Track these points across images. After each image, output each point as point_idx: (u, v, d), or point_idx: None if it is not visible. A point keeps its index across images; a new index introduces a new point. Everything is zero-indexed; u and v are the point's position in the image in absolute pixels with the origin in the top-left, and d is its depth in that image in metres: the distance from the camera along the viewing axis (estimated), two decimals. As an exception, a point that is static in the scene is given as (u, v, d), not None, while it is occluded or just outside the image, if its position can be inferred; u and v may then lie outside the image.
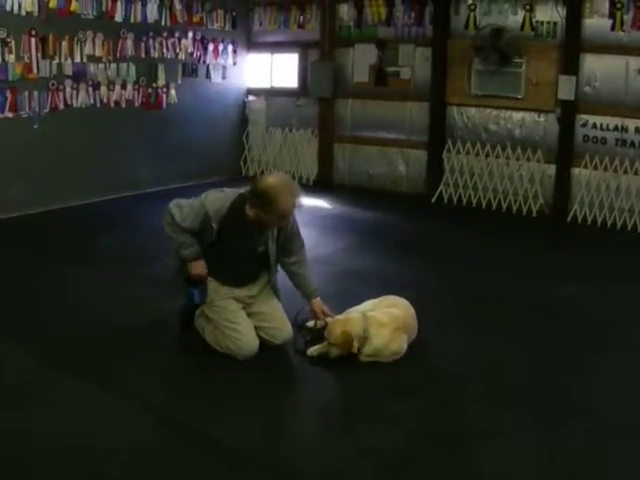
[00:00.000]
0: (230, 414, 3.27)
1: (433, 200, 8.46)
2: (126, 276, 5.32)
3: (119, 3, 7.94)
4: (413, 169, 8.80)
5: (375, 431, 3.16)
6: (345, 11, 8.91)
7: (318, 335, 3.98)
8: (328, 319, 3.94)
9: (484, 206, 8.21)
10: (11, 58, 7.00)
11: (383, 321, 3.84)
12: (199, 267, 3.81)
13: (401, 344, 3.89)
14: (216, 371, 3.74)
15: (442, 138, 8.44)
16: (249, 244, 3.75)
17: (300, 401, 3.54)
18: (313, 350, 3.89)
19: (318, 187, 9.17)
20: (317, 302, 3.99)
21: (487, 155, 8.17)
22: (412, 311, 4.08)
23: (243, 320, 3.85)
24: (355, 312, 3.97)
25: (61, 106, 7.51)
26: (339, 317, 3.91)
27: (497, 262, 5.92)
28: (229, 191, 3.79)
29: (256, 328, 3.90)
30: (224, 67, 9.46)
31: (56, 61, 7.40)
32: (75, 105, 7.66)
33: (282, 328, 3.95)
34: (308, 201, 8.02)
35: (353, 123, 9.19)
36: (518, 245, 6.58)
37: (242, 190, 3.74)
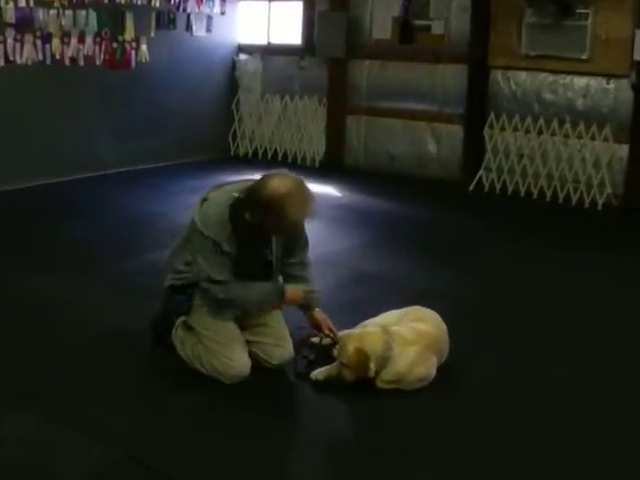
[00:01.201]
0: (208, 456, 3.25)
1: (471, 188, 8.45)
2: (87, 276, 5.34)
3: None
4: (446, 149, 8.78)
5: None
6: (363, -52, 8.96)
7: (324, 354, 4.00)
8: (338, 333, 3.98)
9: (535, 196, 8.19)
10: None
11: (409, 338, 3.84)
12: (294, 294, 3.88)
13: (429, 368, 3.87)
14: (195, 397, 3.75)
15: (483, 110, 8.44)
16: (257, 253, 3.81)
17: (298, 441, 3.51)
18: (318, 373, 3.87)
19: (326, 170, 9.23)
20: (320, 313, 4.03)
21: (540, 132, 8.13)
22: (443, 327, 4.07)
23: (234, 334, 3.89)
24: (373, 325, 3.98)
25: (0, 62, 7.46)
26: (353, 331, 3.90)
27: (551, 269, 5.89)
28: (216, 197, 3.72)
29: (249, 344, 3.93)
30: (209, 17, 9.47)
31: (-7, 4, 7.38)
32: (19, 62, 7.62)
33: (282, 345, 3.97)
34: (313, 188, 7.98)
35: (371, 90, 9.20)
36: (578, 247, 6.55)
37: (235, 192, 3.67)
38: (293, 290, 3.86)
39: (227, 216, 3.62)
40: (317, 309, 4.01)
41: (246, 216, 3.60)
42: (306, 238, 4.01)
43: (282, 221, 3.53)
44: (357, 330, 3.91)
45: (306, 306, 4.00)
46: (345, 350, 3.75)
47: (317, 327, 4.02)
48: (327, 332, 4.00)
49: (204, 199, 3.73)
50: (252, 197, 3.57)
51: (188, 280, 3.85)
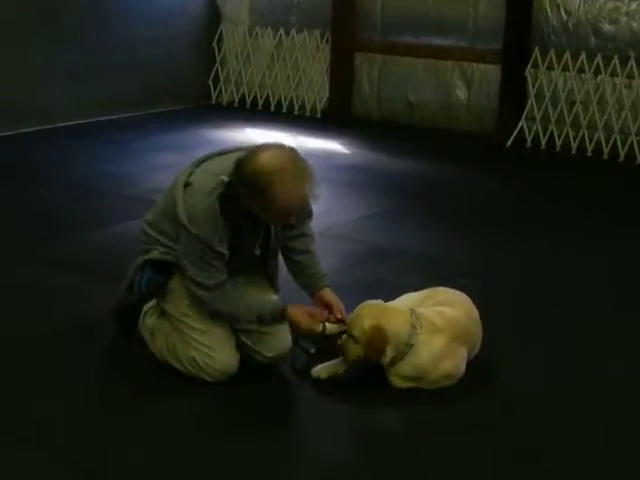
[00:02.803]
0: (186, 477, 3.24)
1: (509, 143, 8.46)
2: (34, 256, 5.32)
3: None
4: (478, 95, 8.79)
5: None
6: None
7: (329, 345, 3.98)
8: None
9: (589, 153, 8.19)
10: None
11: (438, 324, 3.84)
12: (298, 314, 3.82)
13: (458, 362, 3.90)
14: (169, 403, 3.75)
15: (525, 46, 8.43)
16: (253, 237, 3.87)
17: (294, 458, 3.48)
18: (320, 370, 3.90)
19: (330, 122, 9.21)
20: (330, 294, 4.01)
21: (597, 72, 8.13)
22: (475, 312, 4.09)
23: (217, 322, 3.89)
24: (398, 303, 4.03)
25: None
26: (373, 302, 3.91)
27: (610, 245, 5.90)
28: (201, 184, 3.72)
29: (237, 332, 3.94)
30: None
31: None
32: None
33: (278, 335, 3.97)
34: (314, 143, 8.00)
35: (385, 21, 9.20)
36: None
37: (224, 176, 3.69)
38: (296, 311, 3.81)
39: (217, 211, 3.66)
40: (327, 289, 4.02)
41: (243, 203, 3.66)
42: (309, 208, 4.04)
43: (272, 204, 3.58)
44: (378, 303, 3.91)
45: (313, 283, 4.04)
46: (359, 323, 3.77)
47: (328, 308, 3.99)
48: (338, 316, 3.97)
49: (187, 184, 3.75)
50: (238, 175, 3.62)
51: (175, 258, 3.86)
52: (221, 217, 3.66)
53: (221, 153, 3.91)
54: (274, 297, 4.06)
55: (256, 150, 3.65)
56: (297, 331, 3.90)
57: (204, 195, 3.69)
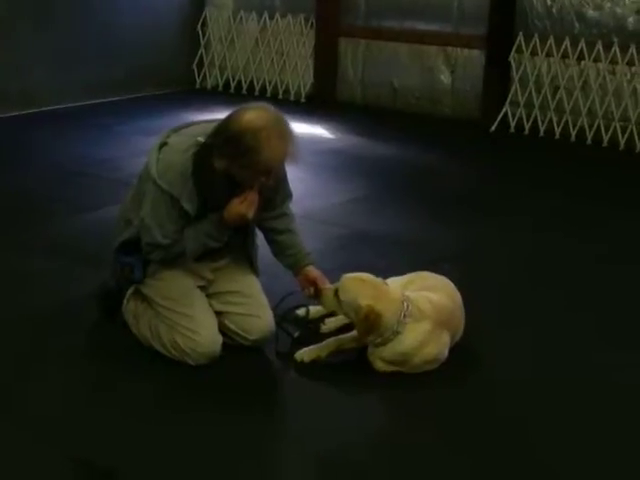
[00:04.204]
0: (166, 459, 3.26)
1: (493, 128, 8.48)
2: (18, 240, 5.33)
3: None
4: (462, 80, 8.80)
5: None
6: None
7: (312, 329, 4.04)
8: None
9: (573, 138, 8.21)
10: None
11: (425, 311, 3.85)
12: (233, 206, 3.77)
13: (441, 348, 3.91)
14: (152, 385, 3.76)
15: (509, 31, 8.43)
16: (226, 202, 3.81)
17: (276, 442, 3.50)
18: (304, 353, 3.91)
19: (314, 106, 9.22)
20: (313, 269, 4.04)
21: (580, 57, 8.13)
22: (459, 297, 4.11)
23: (200, 303, 3.93)
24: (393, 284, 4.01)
25: None
26: (375, 279, 3.89)
27: (594, 230, 5.90)
28: (177, 143, 3.77)
29: (220, 316, 3.97)
30: None
31: None
32: None
33: (260, 316, 3.98)
34: (298, 128, 7.98)
35: (370, 6, 9.21)
36: (627, 202, 6.55)
37: (200, 137, 3.72)
38: (229, 209, 3.77)
39: (190, 168, 3.68)
40: (310, 266, 4.05)
41: (214, 163, 3.66)
42: (288, 189, 4.08)
43: (254, 159, 3.58)
44: (376, 280, 3.88)
45: (297, 262, 4.05)
46: (352, 295, 3.77)
47: (313, 285, 4.02)
48: (323, 288, 4.00)
49: (163, 144, 3.77)
50: (220, 135, 3.64)
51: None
52: (192, 176, 3.67)
53: (198, 122, 3.95)
54: (256, 280, 4.07)
55: (241, 110, 3.70)
56: (242, 219, 3.80)
57: (179, 152, 3.72)
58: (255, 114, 3.64)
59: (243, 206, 3.75)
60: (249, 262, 4.09)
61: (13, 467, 3.15)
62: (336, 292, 3.83)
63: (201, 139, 3.71)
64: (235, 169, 3.66)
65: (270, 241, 4.10)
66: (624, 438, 3.46)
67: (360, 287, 3.82)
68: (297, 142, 3.70)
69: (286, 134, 3.66)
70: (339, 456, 3.33)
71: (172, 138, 3.80)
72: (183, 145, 3.73)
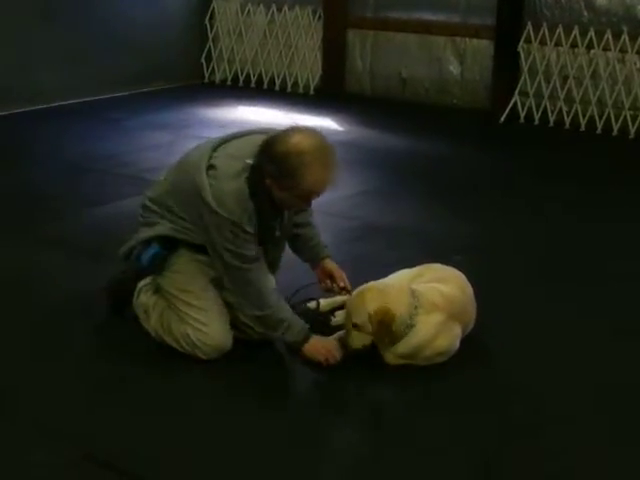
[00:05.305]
0: (178, 452, 3.26)
1: (502, 119, 8.47)
2: (29, 235, 5.34)
3: None
4: (471, 70, 8.79)
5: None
6: None
7: (323, 322, 4.06)
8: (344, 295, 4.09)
9: (583, 128, 8.20)
10: None
11: (437, 303, 3.85)
12: (320, 347, 3.84)
13: (452, 340, 3.92)
14: (162, 380, 3.78)
15: (518, 20, 8.41)
16: (273, 219, 3.89)
17: (291, 433, 3.48)
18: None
19: (323, 98, 9.24)
20: (331, 262, 4.13)
21: (590, 46, 8.11)
22: (470, 289, 4.10)
23: (213, 298, 3.94)
24: (396, 280, 4.03)
25: None
26: (373, 284, 3.89)
27: (607, 223, 5.86)
28: (227, 168, 3.72)
29: (233, 310, 3.96)
30: None
31: None
32: None
33: None
34: (307, 120, 8.01)
35: (378, -3, 9.16)
36: (636, 190, 6.56)
37: (247, 159, 3.70)
38: (318, 342, 3.82)
39: (246, 193, 3.68)
40: (328, 259, 4.13)
41: (267, 183, 3.68)
42: None
43: (295, 185, 3.60)
44: (377, 285, 3.89)
45: (316, 255, 4.14)
46: (362, 310, 3.75)
47: (330, 277, 4.11)
48: (341, 284, 4.08)
49: (210, 166, 3.74)
50: (265, 154, 3.64)
51: (192, 238, 3.84)
52: (250, 200, 3.69)
53: (237, 136, 3.91)
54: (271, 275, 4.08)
55: (289, 131, 3.71)
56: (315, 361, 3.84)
57: (231, 178, 3.71)
58: (302, 137, 3.64)
59: (322, 356, 3.79)
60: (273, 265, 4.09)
61: (18, 466, 3.16)
62: (354, 326, 3.79)
63: (249, 161, 3.70)
64: (275, 190, 3.68)
65: (291, 235, 4.12)
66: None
67: (362, 299, 3.81)
68: (337, 168, 3.69)
69: (330, 162, 3.66)
70: (352, 447, 3.36)
71: (218, 160, 3.75)
72: (232, 170, 3.72)
